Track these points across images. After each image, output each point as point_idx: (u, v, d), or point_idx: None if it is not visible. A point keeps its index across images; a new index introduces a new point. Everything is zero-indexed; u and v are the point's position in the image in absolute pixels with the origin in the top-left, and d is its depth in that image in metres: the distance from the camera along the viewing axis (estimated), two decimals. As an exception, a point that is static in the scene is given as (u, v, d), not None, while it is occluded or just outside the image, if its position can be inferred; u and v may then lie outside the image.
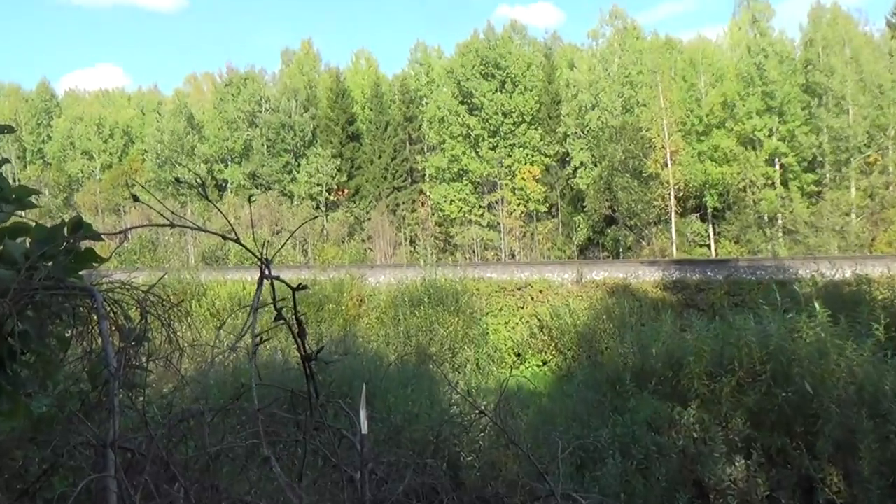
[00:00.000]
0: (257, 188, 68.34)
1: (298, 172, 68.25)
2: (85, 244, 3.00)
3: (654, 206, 53.68)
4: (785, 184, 53.56)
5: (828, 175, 52.71)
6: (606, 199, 55.00)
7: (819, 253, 42.50)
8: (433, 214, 65.65)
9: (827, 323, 10.34)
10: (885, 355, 9.90)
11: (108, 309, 2.88)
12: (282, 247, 3.14)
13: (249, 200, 73.30)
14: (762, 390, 9.85)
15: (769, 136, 53.87)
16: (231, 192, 70.83)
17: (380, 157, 66.20)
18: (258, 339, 2.85)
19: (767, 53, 55.10)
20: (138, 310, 2.98)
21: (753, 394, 9.87)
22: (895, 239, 47.70)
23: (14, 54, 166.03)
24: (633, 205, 52.97)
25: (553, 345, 28.84)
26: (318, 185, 67.14)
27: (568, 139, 60.48)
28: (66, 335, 3.01)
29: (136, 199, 3.10)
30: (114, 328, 2.87)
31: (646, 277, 30.80)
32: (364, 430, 3.48)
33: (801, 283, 19.06)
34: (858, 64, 52.75)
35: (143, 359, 3.01)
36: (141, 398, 2.89)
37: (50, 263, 2.85)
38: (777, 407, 9.67)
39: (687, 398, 10.23)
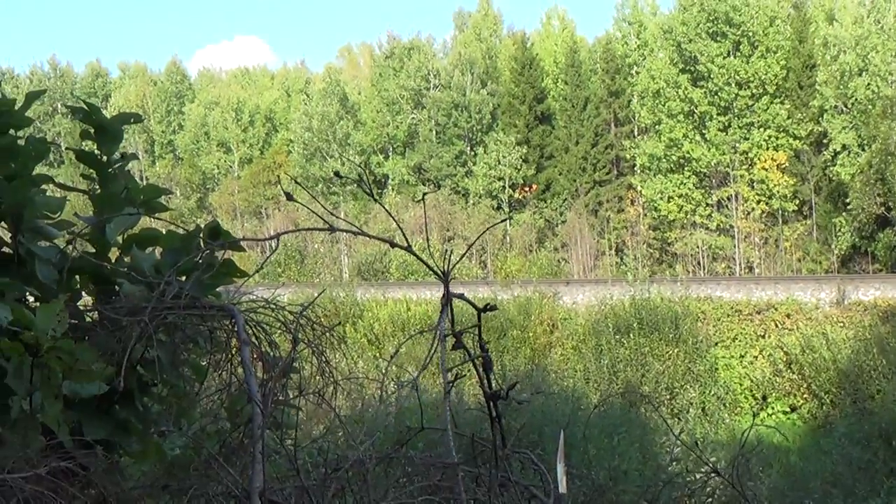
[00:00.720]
0: (424, 184, 69.66)
1: (475, 164, 69.20)
2: (223, 255, 3.16)
3: (945, 203, 50.98)
4: None
5: None
6: (878, 194, 52.61)
7: None
8: (646, 216, 64.91)
9: None
10: None
11: (251, 333, 3.01)
12: (461, 258, 3.20)
13: (422, 199, 75.02)
14: None
15: None
16: (392, 189, 72.61)
17: (577, 143, 66.18)
18: (453, 377, 2.91)
19: None
20: (285, 334, 3.09)
21: None
22: None
23: (141, 27, 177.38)
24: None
25: (805, 386, 27.96)
26: (499, 179, 67.83)
27: (825, 115, 58.30)
28: (203, 364, 3.17)
29: (290, 197, 3.25)
30: (256, 356, 2.99)
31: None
32: (562, 489, 3.49)
33: None
34: None
35: (292, 394, 3.12)
36: (290, 441, 3.00)
37: (183, 278, 3.01)
38: None
39: None
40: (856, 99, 56.17)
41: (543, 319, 34.17)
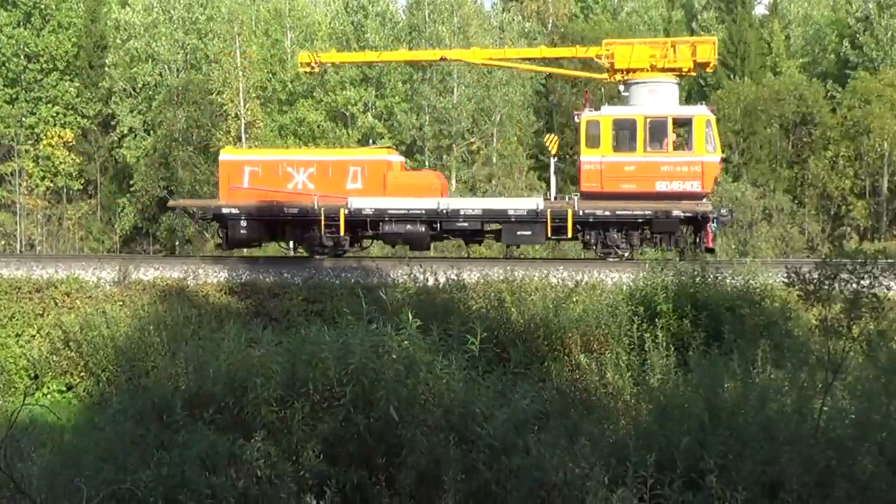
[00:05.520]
0: None
1: None
2: None
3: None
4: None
5: (427, 163, 56.34)
6: (161, 178, 54.19)
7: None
8: None
9: (418, 336, 11.07)
10: (478, 372, 10.88)
11: None
12: None
13: None
14: (340, 416, 10.30)
15: (364, 111, 56.79)
16: None
17: None
18: None
19: (368, 12, 57.98)
20: None
21: (330, 420, 10.29)
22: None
23: None
24: (196, 186, 52.73)
25: (83, 364, 27.74)
26: None
27: (113, 97, 58.82)
28: None
29: None
30: None
31: (208, 279, 30.68)
32: None
33: (390, 289, 20.28)
34: (466, 36, 56.99)
35: None
36: None
37: None
38: (356, 436, 10.19)
39: (252, 428, 10.38)
40: (143, 84, 57.40)
41: None
